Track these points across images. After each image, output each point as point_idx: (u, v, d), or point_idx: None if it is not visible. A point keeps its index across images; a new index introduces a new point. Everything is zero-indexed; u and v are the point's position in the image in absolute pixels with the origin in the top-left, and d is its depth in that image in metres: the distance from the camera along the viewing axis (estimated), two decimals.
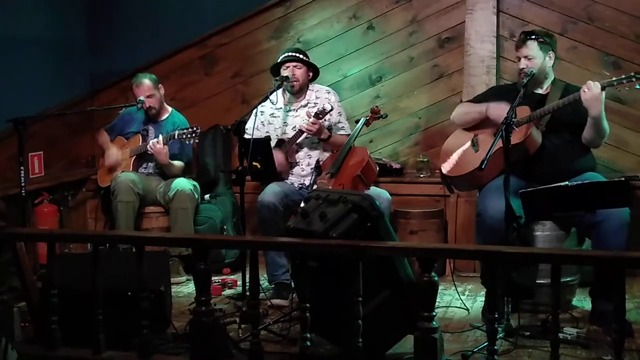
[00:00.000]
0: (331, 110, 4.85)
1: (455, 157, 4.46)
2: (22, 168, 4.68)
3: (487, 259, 3.18)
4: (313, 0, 5.88)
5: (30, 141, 5.34)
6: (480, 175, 4.18)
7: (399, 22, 5.75)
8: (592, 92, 3.98)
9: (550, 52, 4.33)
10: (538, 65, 4.27)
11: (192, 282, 4.97)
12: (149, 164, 5.43)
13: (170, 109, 5.55)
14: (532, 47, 4.28)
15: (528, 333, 3.81)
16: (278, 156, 4.86)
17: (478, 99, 4.61)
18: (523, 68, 4.27)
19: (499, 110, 4.19)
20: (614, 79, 4.02)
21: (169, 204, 5.21)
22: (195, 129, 5.09)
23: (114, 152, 5.47)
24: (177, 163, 5.38)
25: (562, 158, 4.21)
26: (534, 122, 4.17)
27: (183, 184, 5.23)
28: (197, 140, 5.19)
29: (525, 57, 4.28)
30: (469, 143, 4.45)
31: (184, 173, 5.44)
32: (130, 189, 5.11)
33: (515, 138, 4.10)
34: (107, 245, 4.58)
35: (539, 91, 4.37)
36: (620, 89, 4.15)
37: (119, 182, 5.13)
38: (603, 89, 3.99)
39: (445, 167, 4.49)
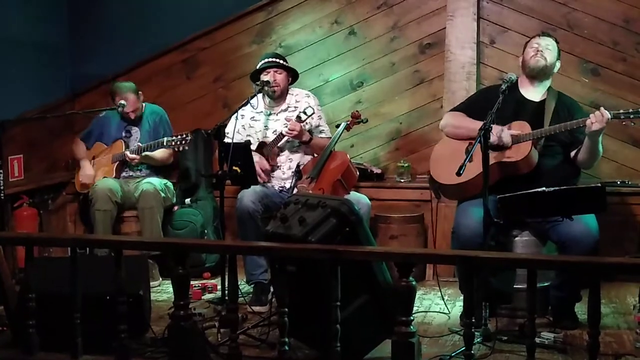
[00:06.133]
0: (312, 113, 4.87)
1: (447, 164, 4.30)
2: (1, 171, 4.66)
3: (464, 264, 3.20)
4: (295, 6, 5.89)
5: (10, 144, 5.32)
6: (472, 187, 4.14)
7: (380, 27, 5.77)
8: (602, 124, 3.97)
9: (558, 61, 4.39)
10: (551, 60, 4.31)
11: (168, 285, 4.99)
12: (130, 167, 5.42)
13: (143, 104, 5.55)
14: (552, 44, 4.35)
15: (506, 338, 3.83)
16: (261, 161, 4.87)
17: (466, 105, 4.55)
18: (541, 51, 4.29)
19: (495, 130, 4.09)
20: (621, 111, 4.02)
21: (136, 205, 5.19)
22: (185, 136, 5.06)
23: (87, 170, 5.45)
24: (159, 153, 5.36)
25: (556, 179, 4.15)
26: (532, 141, 4.14)
27: (149, 183, 5.21)
28: (187, 148, 5.17)
29: (547, 45, 4.32)
30: (462, 152, 4.31)
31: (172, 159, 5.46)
32: (108, 198, 5.09)
33: (515, 155, 4.12)
34: (87, 249, 4.59)
35: (534, 99, 4.35)
36: (626, 123, 4.09)
37: (97, 190, 5.12)
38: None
39: (437, 174, 4.42)
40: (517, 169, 4.15)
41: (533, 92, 4.38)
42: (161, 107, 5.59)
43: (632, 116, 4.00)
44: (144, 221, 5.16)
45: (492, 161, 3.87)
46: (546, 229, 4.11)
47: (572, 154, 4.26)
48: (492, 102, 4.08)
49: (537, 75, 4.33)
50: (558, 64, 4.40)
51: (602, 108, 4.01)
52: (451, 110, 4.67)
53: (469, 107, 4.50)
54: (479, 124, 4.13)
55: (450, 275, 5.17)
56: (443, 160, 4.43)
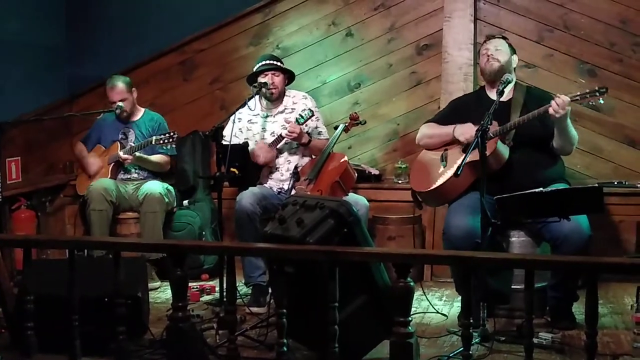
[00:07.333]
0: (312, 115, 4.88)
1: (424, 173, 4.47)
2: None
3: (461, 265, 3.20)
4: (292, 7, 5.90)
5: (7, 146, 5.31)
6: (448, 191, 4.25)
7: (377, 29, 5.78)
8: (564, 110, 4.03)
9: (515, 55, 4.46)
10: (504, 59, 4.38)
11: (167, 287, 4.99)
12: (126, 169, 5.43)
13: (142, 109, 5.57)
14: (501, 43, 4.44)
15: (503, 338, 3.83)
16: (263, 147, 4.87)
17: (440, 117, 4.64)
18: (491, 55, 4.37)
19: (465, 129, 4.24)
20: (578, 94, 4.08)
21: (139, 208, 5.19)
22: (172, 134, 5.10)
23: (95, 161, 5.48)
24: (155, 157, 5.38)
25: (530, 171, 4.21)
26: (499, 137, 4.18)
27: (153, 187, 5.21)
28: (174, 146, 5.21)
29: (496, 47, 4.40)
30: (437, 159, 4.45)
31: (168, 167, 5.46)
32: (103, 198, 5.09)
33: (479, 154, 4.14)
34: (85, 251, 4.58)
35: (501, 99, 4.34)
36: (583, 103, 4.19)
37: (92, 190, 5.13)
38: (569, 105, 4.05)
39: (414, 184, 4.52)
40: (489, 166, 4.16)
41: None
42: (160, 115, 5.60)
43: (588, 95, 4.05)
44: (145, 224, 5.16)
45: (472, 156, 3.89)
46: (538, 228, 4.12)
47: (552, 143, 4.31)
48: (463, 111, 4.32)
49: (495, 78, 4.36)
50: (515, 58, 4.48)
51: (562, 95, 4.06)
52: (425, 123, 4.72)
53: (441, 119, 4.59)
54: (450, 128, 4.36)
55: (448, 276, 5.16)
56: (419, 170, 4.54)
